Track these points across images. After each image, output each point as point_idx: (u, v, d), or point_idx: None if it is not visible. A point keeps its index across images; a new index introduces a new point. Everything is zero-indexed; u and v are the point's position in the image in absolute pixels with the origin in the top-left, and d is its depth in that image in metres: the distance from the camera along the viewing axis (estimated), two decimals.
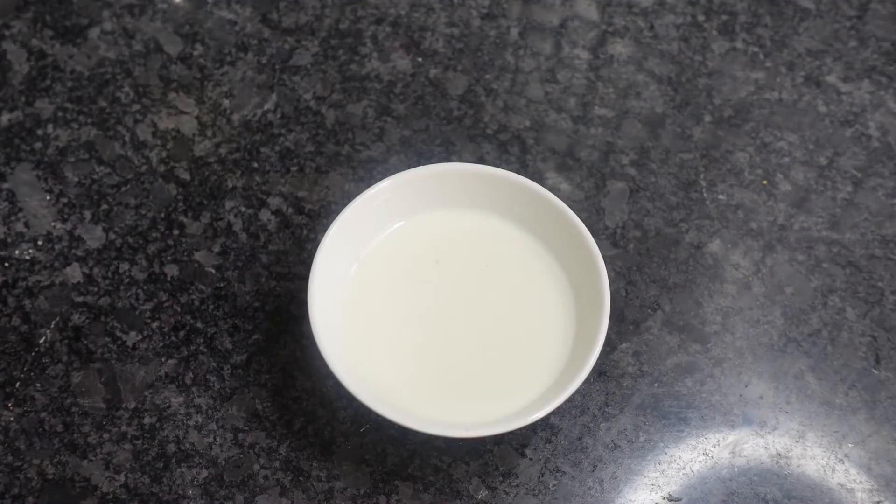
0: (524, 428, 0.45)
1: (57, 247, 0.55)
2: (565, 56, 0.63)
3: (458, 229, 0.53)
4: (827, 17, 0.65)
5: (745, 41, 0.64)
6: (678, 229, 0.57)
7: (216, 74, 0.62)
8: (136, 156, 0.59)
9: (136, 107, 0.60)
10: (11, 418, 0.50)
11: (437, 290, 0.51)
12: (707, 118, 0.61)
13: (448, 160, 0.58)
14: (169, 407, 0.51)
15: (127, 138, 0.59)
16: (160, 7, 0.64)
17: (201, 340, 0.53)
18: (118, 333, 0.53)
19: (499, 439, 0.50)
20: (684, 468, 0.50)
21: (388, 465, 0.49)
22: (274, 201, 0.57)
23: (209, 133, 0.60)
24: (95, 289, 0.54)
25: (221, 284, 0.54)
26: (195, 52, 0.63)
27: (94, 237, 0.56)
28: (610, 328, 0.50)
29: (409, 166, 0.53)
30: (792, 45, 0.64)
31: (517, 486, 0.49)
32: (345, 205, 0.50)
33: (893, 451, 0.50)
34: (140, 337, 0.53)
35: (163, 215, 0.56)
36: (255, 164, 0.58)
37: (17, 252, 0.55)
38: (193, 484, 0.48)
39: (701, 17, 0.65)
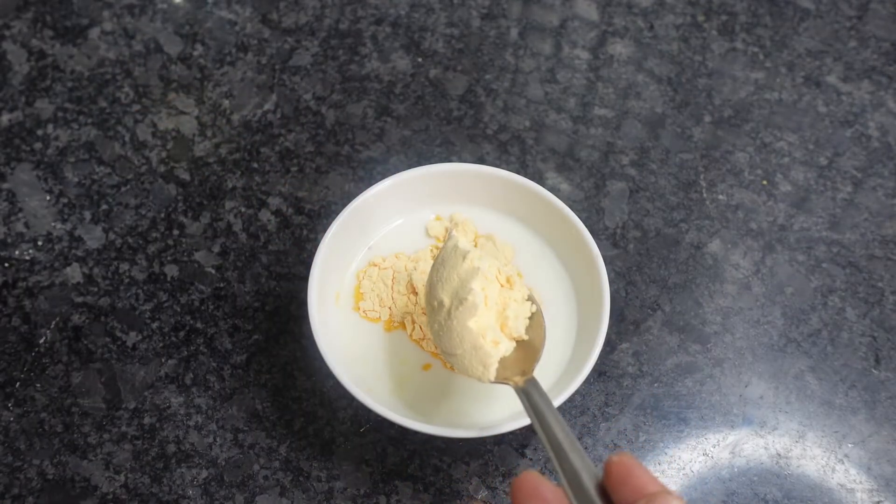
0: (524, 428, 0.45)
1: (57, 247, 0.55)
2: (565, 56, 0.63)
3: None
4: (827, 18, 0.65)
5: (745, 41, 0.64)
6: (678, 229, 0.57)
7: (216, 74, 0.62)
8: (136, 156, 0.59)
9: (136, 107, 0.60)
10: (11, 418, 0.50)
11: None
12: (707, 118, 0.61)
13: (448, 160, 0.58)
14: (169, 407, 0.51)
15: (127, 138, 0.59)
16: (160, 7, 0.64)
17: (201, 340, 0.53)
18: (118, 333, 0.53)
19: (499, 439, 0.50)
20: (684, 468, 0.50)
21: (388, 465, 0.49)
22: (274, 201, 0.57)
23: (209, 133, 0.60)
24: (95, 289, 0.54)
25: (221, 284, 0.54)
26: (195, 52, 0.63)
27: (94, 237, 0.56)
28: (610, 328, 0.50)
29: (409, 166, 0.53)
30: (792, 46, 0.64)
31: None
32: (345, 205, 0.50)
33: (893, 451, 0.50)
34: (140, 337, 0.52)
35: (163, 215, 0.56)
36: (255, 165, 0.58)
37: (17, 252, 0.55)
38: (193, 484, 0.48)
39: (701, 17, 0.65)
